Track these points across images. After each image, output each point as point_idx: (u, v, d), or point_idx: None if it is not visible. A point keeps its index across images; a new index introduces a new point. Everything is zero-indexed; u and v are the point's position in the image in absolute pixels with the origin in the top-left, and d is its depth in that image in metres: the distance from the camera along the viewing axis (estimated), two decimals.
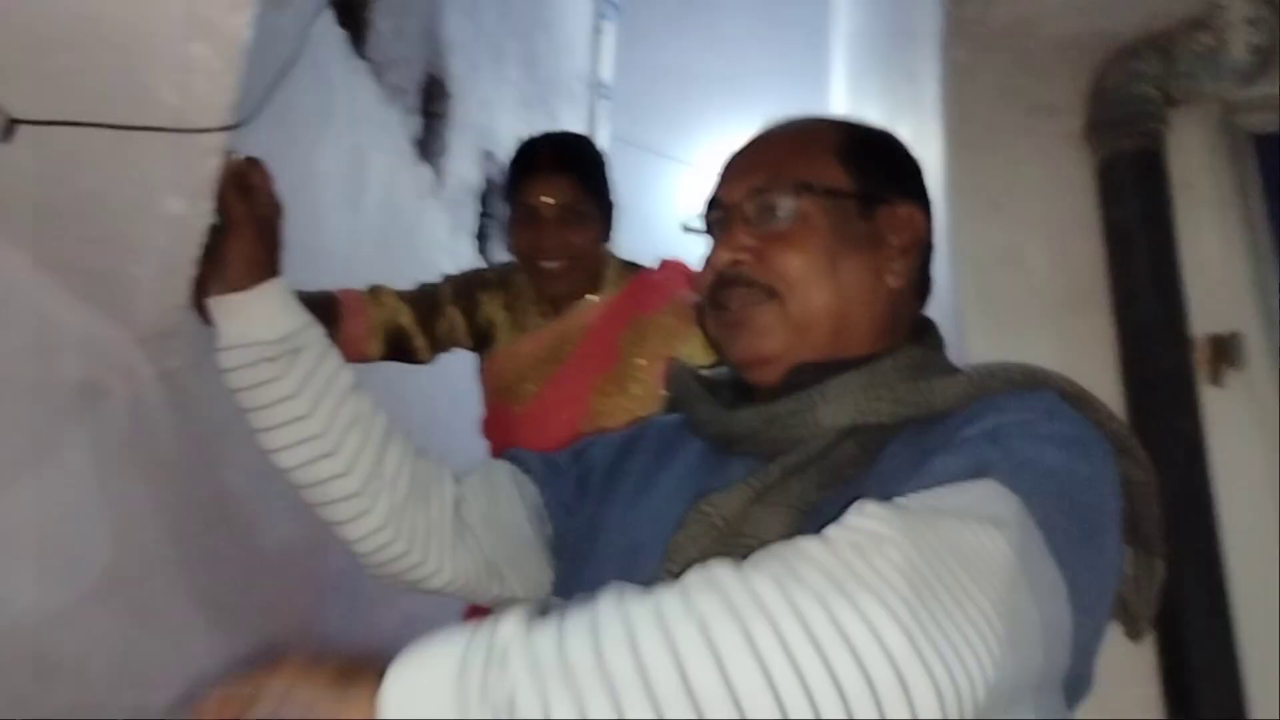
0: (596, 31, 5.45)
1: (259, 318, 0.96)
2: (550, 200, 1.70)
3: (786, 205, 0.88)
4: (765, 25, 6.99)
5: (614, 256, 1.86)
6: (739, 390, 0.94)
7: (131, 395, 1.52)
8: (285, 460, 0.97)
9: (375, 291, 1.77)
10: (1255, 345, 1.72)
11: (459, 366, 1.94)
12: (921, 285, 0.95)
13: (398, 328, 1.76)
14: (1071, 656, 0.69)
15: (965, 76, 1.97)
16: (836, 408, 0.82)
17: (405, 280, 1.85)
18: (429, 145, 3.01)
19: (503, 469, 1.06)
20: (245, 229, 1.00)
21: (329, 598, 2.20)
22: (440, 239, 3.05)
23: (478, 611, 1.73)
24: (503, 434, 1.76)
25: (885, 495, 0.70)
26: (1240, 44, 1.75)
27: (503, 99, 3.77)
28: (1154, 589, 0.84)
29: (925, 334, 0.94)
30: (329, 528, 1.00)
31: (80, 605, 1.44)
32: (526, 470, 1.05)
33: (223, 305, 0.98)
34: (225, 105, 0.98)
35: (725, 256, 0.90)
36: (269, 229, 1.03)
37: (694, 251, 1.84)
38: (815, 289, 0.87)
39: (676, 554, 0.78)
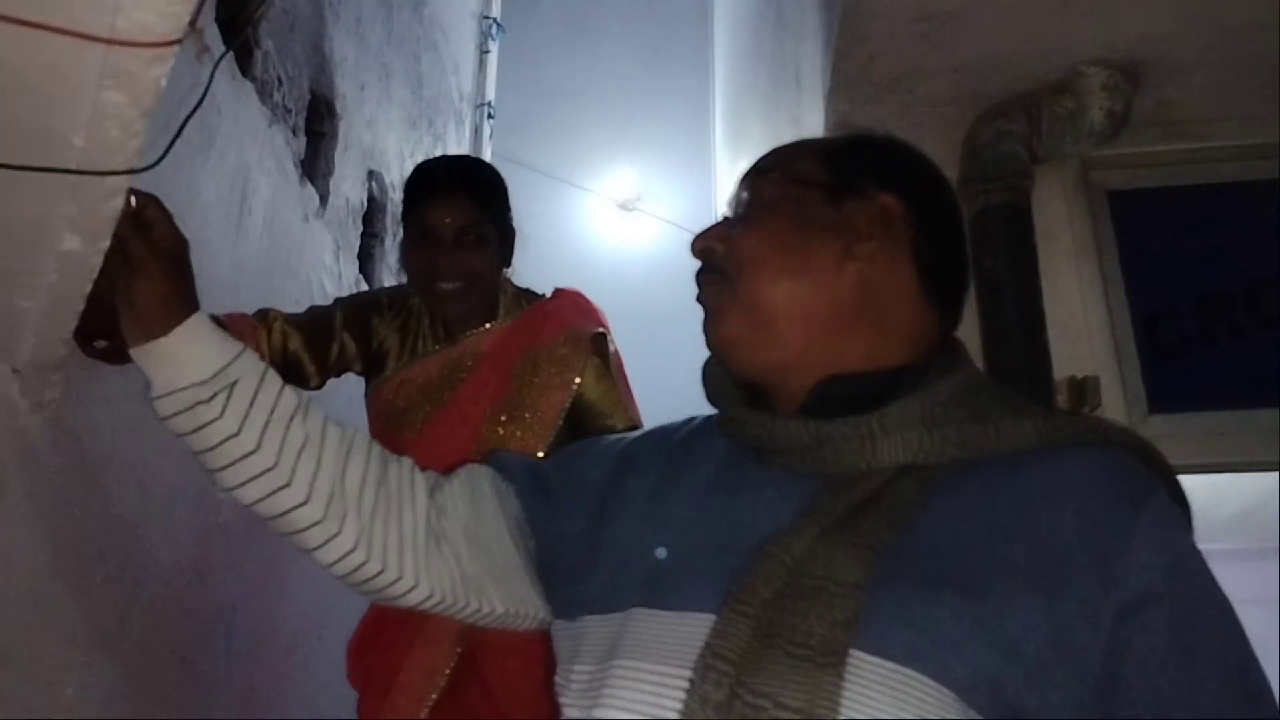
0: (482, 51, 5.44)
1: (185, 360, 0.92)
2: (449, 220, 1.69)
3: (757, 194, 0.91)
4: (647, 50, 7.10)
5: (510, 284, 1.86)
6: (754, 396, 0.92)
7: (6, 428, 1.46)
8: (243, 496, 0.93)
9: (264, 315, 1.73)
10: (1110, 387, 1.85)
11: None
12: (937, 291, 0.90)
13: (287, 353, 1.72)
14: None
15: (847, 126, 2.07)
16: (898, 443, 0.79)
17: (290, 303, 1.83)
18: (314, 165, 2.95)
19: (485, 476, 1.02)
20: (151, 268, 0.95)
21: (209, 633, 2.14)
22: (325, 261, 3.00)
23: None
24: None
25: (956, 545, 0.73)
26: (1098, 108, 1.89)
27: (389, 118, 3.73)
28: None
29: (959, 350, 0.91)
30: (301, 552, 0.97)
31: None
32: (509, 479, 1.02)
33: (146, 354, 0.93)
34: (133, 150, 0.96)
35: (697, 245, 0.92)
36: (176, 264, 0.98)
37: (581, 277, 1.89)
38: (764, 268, 0.86)
39: (749, 595, 0.73)
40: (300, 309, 1.88)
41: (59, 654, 1.61)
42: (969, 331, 1.95)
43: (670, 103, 6.95)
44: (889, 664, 0.67)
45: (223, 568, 2.22)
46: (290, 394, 0.96)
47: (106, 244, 1.16)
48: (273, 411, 0.93)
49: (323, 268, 2.98)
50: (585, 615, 0.86)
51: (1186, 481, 0.80)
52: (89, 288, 1.26)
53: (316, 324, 1.77)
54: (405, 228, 1.79)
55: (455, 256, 1.70)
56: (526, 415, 1.69)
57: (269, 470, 0.91)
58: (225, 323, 1.66)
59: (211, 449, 0.92)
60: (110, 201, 1.06)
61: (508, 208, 1.83)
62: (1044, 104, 1.93)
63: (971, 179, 1.94)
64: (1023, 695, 0.67)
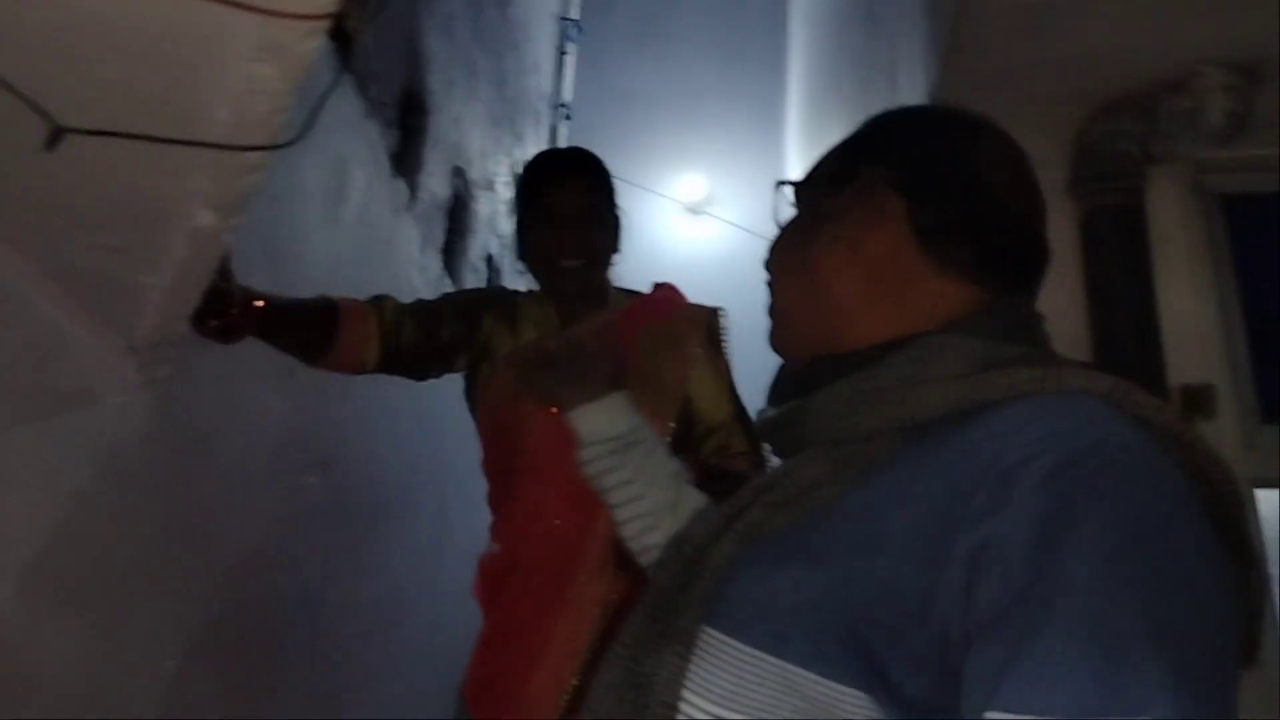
0: (560, 53, 5.46)
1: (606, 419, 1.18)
2: (573, 201, 1.77)
3: (802, 201, 0.93)
4: (721, 54, 7.08)
5: (611, 284, 1.88)
6: None
7: (120, 403, 1.49)
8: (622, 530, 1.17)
9: (378, 301, 1.76)
10: (1225, 396, 1.79)
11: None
12: (951, 257, 0.81)
13: (399, 339, 1.75)
14: None
15: None
16: (821, 424, 0.79)
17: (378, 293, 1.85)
18: (405, 160, 2.98)
19: None
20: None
21: (295, 614, 2.16)
22: (412, 254, 3.03)
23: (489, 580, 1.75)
24: (512, 441, 1.75)
25: (846, 514, 0.71)
26: (1217, 108, 1.83)
27: (474, 116, 3.76)
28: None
29: (974, 318, 0.80)
30: None
31: (57, 618, 1.40)
32: None
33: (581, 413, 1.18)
34: (276, 125, 0.97)
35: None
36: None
37: (649, 279, 1.89)
38: (781, 273, 0.91)
39: (652, 586, 0.81)
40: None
41: (159, 629, 1.63)
42: (1078, 337, 1.91)
43: (742, 106, 6.92)
44: (731, 641, 0.69)
45: (309, 553, 2.25)
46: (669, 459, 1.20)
47: (239, 220, 1.18)
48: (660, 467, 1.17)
49: (410, 261, 3.01)
50: None
51: None
52: (215, 265, 1.28)
53: (427, 313, 1.80)
54: (527, 210, 1.82)
55: (578, 235, 1.76)
56: (655, 387, 1.72)
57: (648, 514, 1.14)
58: (339, 304, 1.69)
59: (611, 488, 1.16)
60: (248, 177, 1.07)
61: (616, 197, 1.88)
62: (1160, 103, 1.88)
63: (1082, 179, 1.89)
64: (884, 660, 0.63)
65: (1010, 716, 0.55)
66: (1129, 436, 0.64)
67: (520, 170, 1.90)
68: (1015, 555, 0.59)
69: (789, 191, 0.94)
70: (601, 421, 1.17)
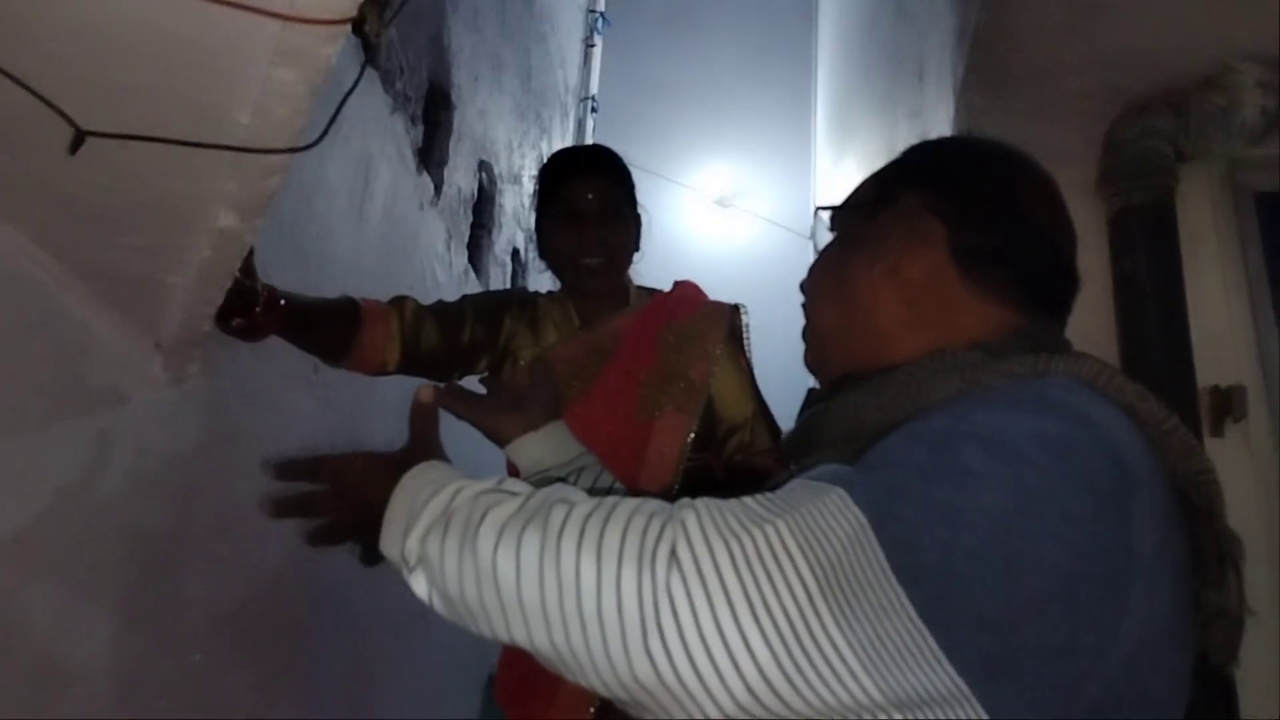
0: (588, 45, 5.46)
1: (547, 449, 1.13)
2: (591, 198, 1.77)
3: (838, 225, 0.95)
4: (748, 47, 7.05)
5: (633, 283, 1.88)
6: None
7: (148, 401, 1.50)
8: None
9: (399, 301, 1.77)
10: (1255, 398, 1.76)
11: None
12: (991, 282, 0.83)
13: (419, 341, 1.75)
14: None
15: (980, 119, 2.01)
16: (834, 424, 0.82)
17: (404, 289, 1.86)
18: (430, 154, 2.99)
19: None
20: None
21: (321, 608, 2.18)
22: (438, 250, 3.04)
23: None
24: None
25: None
26: (1252, 105, 1.80)
27: (499, 109, 3.76)
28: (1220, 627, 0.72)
29: (1003, 340, 0.80)
30: None
31: (89, 611, 1.41)
32: None
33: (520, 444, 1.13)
34: (297, 128, 0.97)
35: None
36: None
37: (675, 272, 1.89)
38: (819, 298, 0.92)
39: None
40: (415, 296, 1.90)
41: (190, 623, 1.65)
42: (1105, 336, 1.89)
43: (769, 99, 6.89)
44: None
45: (338, 549, 2.26)
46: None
47: (262, 222, 1.18)
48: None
49: (435, 256, 3.01)
50: None
51: None
52: (238, 265, 1.29)
53: (448, 314, 1.81)
54: (546, 209, 1.82)
55: (599, 232, 1.76)
56: (680, 385, 1.74)
57: None
58: (361, 304, 1.70)
59: None
60: (270, 179, 1.08)
61: (636, 195, 1.89)
62: (1193, 100, 1.85)
63: (1112, 177, 1.86)
64: None
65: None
66: (1096, 412, 0.67)
67: (541, 166, 1.90)
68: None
69: (826, 216, 0.97)
70: (542, 451, 1.14)
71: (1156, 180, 1.83)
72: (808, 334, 0.94)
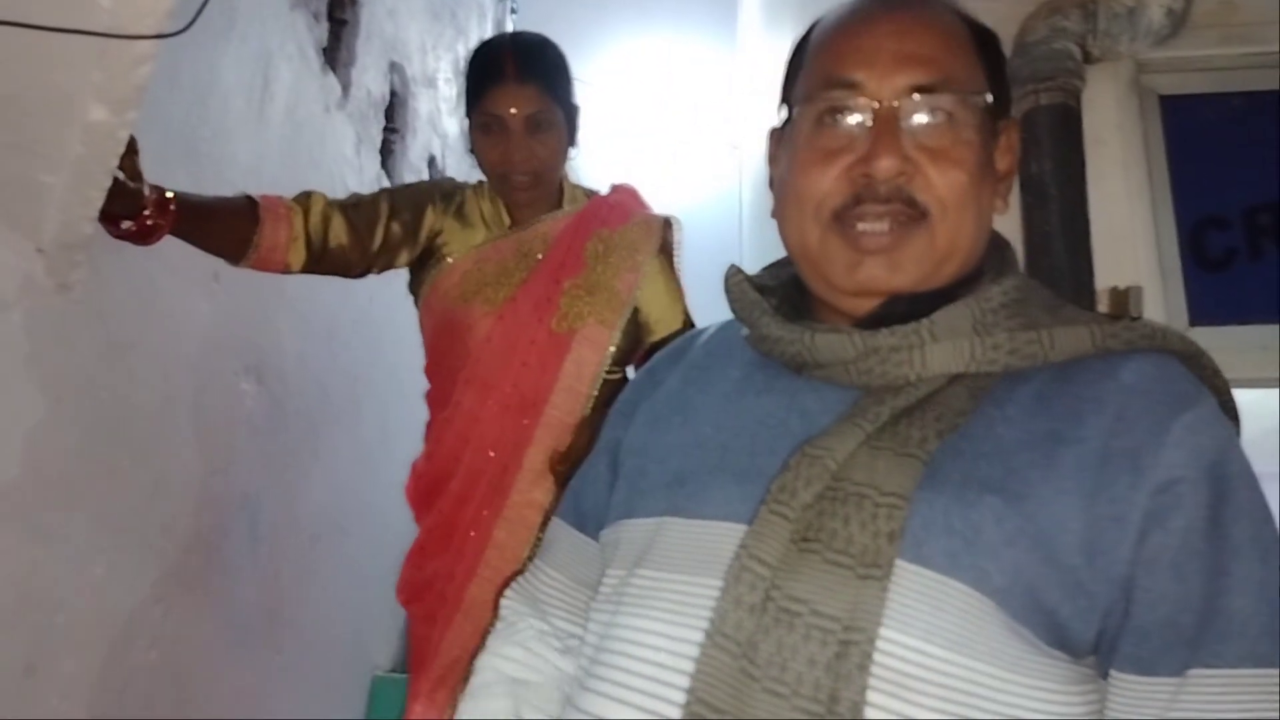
0: None
1: None
2: (515, 111, 1.67)
3: (951, 115, 0.78)
4: None
5: (569, 181, 1.85)
6: (791, 301, 0.86)
7: (32, 309, 1.44)
8: None
9: (303, 198, 1.70)
10: (1153, 299, 1.81)
11: None
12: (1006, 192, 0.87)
13: (326, 237, 1.69)
14: None
15: None
16: (948, 351, 0.74)
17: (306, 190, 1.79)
18: (335, 54, 2.87)
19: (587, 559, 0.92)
20: None
21: (233, 521, 2.15)
22: (346, 154, 2.94)
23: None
24: (456, 343, 1.74)
25: (1001, 449, 0.70)
26: (1158, 6, 1.81)
27: (410, 8, 3.62)
28: None
29: (1007, 251, 0.85)
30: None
31: None
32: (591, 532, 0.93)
33: None
34: (163, 13, 0.92)
35: (890, 165, 0.76)
36: None
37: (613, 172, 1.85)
38: (967, 215, 0.78)
39: (788, 497, 0.70)
40: None
41: (89, 534, 1.62)
42: (1012, 236, 1.90)
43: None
44: (929, 573, 0.66)
45: (246, 458, 2.23)
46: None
47: (135, 115, 1.12)
48: None
49: (344, 161, 2.92)
50: (618, 520, 0.83)
51: None
52: (115, 162, 1.23)
53: (360, 209, 1.74)
54: (472, 116, 1.74)
55: (526, 147, 1.69)
56: (604, 296, 1.72)
57: None
58: (260, 202, 1.64)
59: None
60: (139, 68, 1.02)
61: (571, 85, 1.78)
62: (1100, 1, 1.85)
63: (1022, 78, 1.86)
64: (1056, 598, 0.66)
65: (1212, 671, 0.64)
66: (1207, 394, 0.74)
67: (469, 60, 1.79)
68: (1190, 510, 0.67)
69: (955, 96, 0.79)
70: None
71: (1063, 81, 1.83)
72: (929, 249, 0.78)
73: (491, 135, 1.69)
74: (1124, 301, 1.78)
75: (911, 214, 0.77)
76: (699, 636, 0.68)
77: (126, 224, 1.45)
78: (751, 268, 0.89)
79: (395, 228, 1.74)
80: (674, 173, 6.07)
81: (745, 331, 0.86)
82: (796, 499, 0.69)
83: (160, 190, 1.47)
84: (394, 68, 3.46)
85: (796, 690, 0.64)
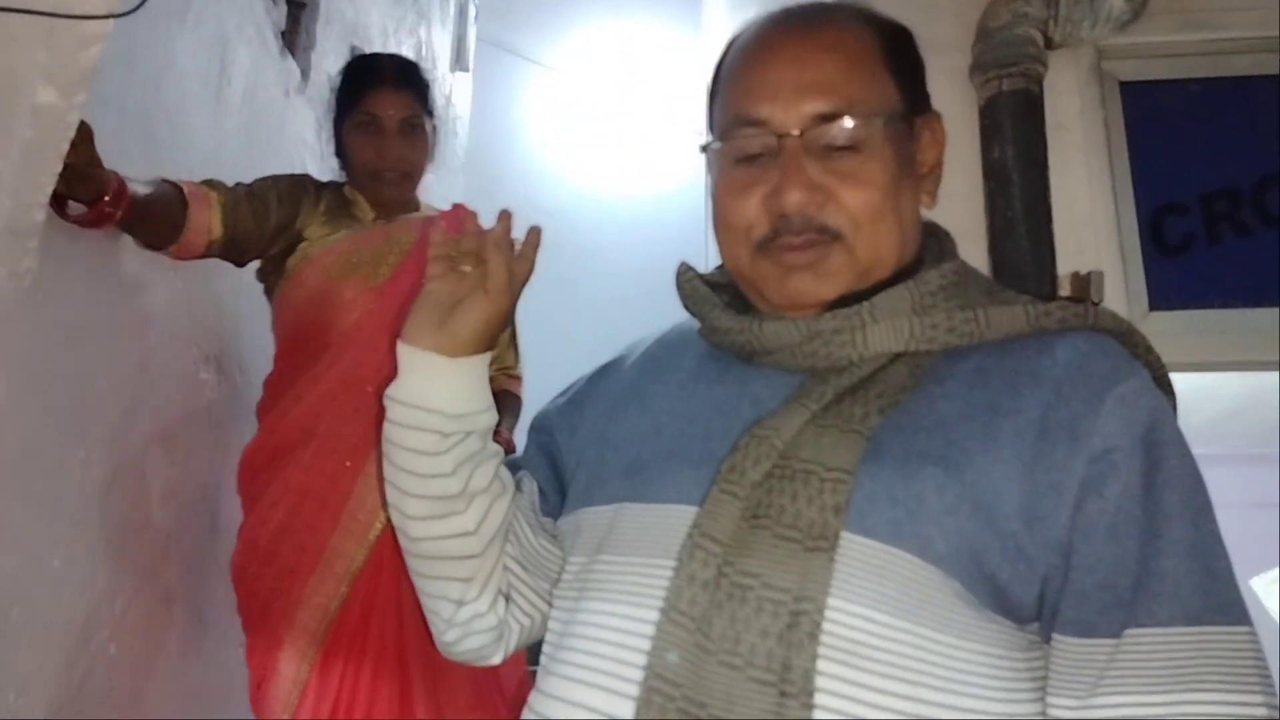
0: None
1: (453, 388, 0.86)
2: (392, 113, 1.83)
3: (855, 137, 0.80)
4: None
5: (418, 199, 2.00)
6: (741, 298, 0.89)
7: None
8: (413, 509, 0.88)
9: (211, 183, 1.76)
10: (1114, 283, 1.83)
11: None
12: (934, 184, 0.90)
13: (238, 220, 1.77)
14: None
15: (858, 3, 1.98)
16: (888, 331, 0.78)
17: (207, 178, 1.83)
18: (295, 38, 2.83)
19: (527, 499, 0.95)
20: (502, 298, 0.87)
21: (193, 512, 2.12)
22: (306, 139, 2.89)
23: None
24: (329, 315, 1.81)
25: (941, 423, 0.73)
26: None
27: None
28: None
29: (945, 240, 0.89)
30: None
31: None
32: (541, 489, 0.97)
33: (422, 357, 0.86)
34: None
35: (797, 199, 0.79)
36: (516, 301, 0.89)
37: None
38: (883, 228, 0.81)
39: (738, 477, 0.73)
40: None
41: (44, 526, 1.58)
42: (975, 222, 1.92)
43: None
44: (874, 543, 0.69)
45: (205, 449, 2.19)
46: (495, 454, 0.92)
47: (83, 98, 1.10)
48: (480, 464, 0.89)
49: (304, 145, 2.88)
50: (579, 508, 0.86)
51: (1183, 380, 0.79)
52: (65, 146, 1.20)
53: (255, 196, 1.82)
54: (347, 114, 1.88)
55: (399, 147, 1.84)
56: None
57: (458, 514, 0.87)
58: (184, 187, 1.66)
59: (416, 474, 0.87)
60: (88, 49, 0.99)
61: (436, 105, 1.97)
62: None
63: (984, 65, 1.87)
64: (996, 562, 0.69)
65: (1147, 630, 0.67)
66: (1142, 370, 0.77)
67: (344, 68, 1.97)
68: (1125, 477, 0.70)
69: (856, 119, 0.80)
70: (450, 387, 0.89)
71: (1025, 68, 1.84)
72: (849, 266, 0.81)
73: (368, 134, 1.85)
74: (1085, 286, 1.80)
75: (825, 239, 0.80)
76: (656, 615, 0.71)
77: (86, 212, 1.43)
78: (716, 253, 0.91)
79: (282, 214, 1.84)
80: (638, 159, 6.06)
81: (698, 325, 0.91)
82: (746, 478, 0.73)
83: (120, 177, 1.46)
84: (354, 52, 3.41)
85: (750, 661, 0.67)
